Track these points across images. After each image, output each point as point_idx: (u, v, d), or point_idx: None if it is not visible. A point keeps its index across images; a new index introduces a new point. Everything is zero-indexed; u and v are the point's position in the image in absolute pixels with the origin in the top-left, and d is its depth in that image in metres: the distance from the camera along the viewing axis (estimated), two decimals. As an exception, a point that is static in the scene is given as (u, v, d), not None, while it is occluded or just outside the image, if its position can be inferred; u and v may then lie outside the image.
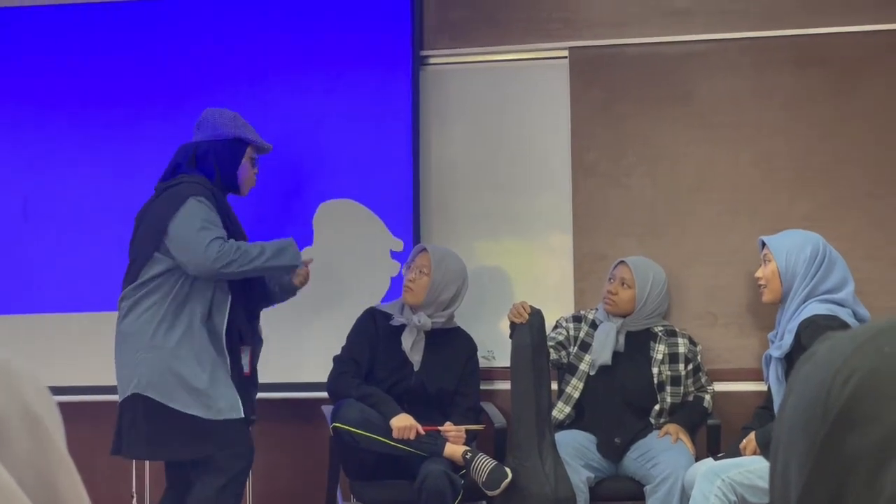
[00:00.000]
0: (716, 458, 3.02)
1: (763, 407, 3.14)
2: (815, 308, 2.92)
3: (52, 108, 3.76)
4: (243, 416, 3.00)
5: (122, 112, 3.73)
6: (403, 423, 3.11)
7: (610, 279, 3.41)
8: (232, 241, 2.94)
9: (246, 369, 3.09)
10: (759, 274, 3.14)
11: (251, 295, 3.11)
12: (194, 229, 2.89)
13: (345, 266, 3.63)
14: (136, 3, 3.75)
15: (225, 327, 3.01)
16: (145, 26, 3.74)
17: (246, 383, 3.09)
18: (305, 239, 3.55)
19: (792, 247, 3.05)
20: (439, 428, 3.18)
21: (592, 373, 3.33)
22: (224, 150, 3.07)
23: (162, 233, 2.94)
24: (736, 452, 2.99)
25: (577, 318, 3.44)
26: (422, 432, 3.13)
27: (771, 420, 3.02)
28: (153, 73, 3.73)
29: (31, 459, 0.60)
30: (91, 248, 3.68)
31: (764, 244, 3.13)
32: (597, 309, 3.45)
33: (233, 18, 3.72)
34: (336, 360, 3.29)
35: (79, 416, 3.75)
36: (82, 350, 3.65)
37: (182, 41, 3.73)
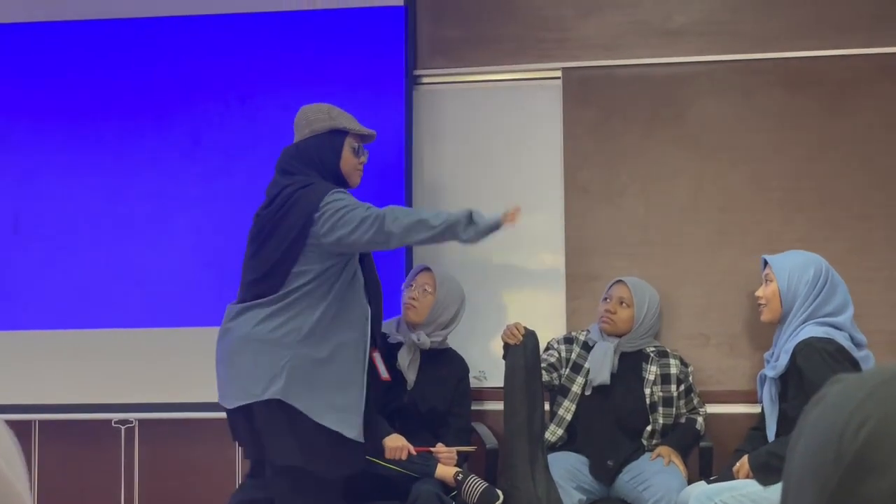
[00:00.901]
0: (708, 482, 2.98)
1: (755, 428, 3.11)
2: (813, 330, 2.89)
3: (43, 123, 3.72)
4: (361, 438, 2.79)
5: (113, 127, 3.69)
6: (396, 443, 3.07)
7: (606, 298, 3.38)
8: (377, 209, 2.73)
9: (385, 374, 2.97)
10: (759, 293, 3.10)
11: (380, 299, 2.96)
12: (353, 209, 2.72)
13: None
14: (128, 20, 3.71)
15: (368, 336, 2.84)
16: (139, 43, 3.71)
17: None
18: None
19: (794, 268, 3.01)
20: (431, 449, 3.15)
21: (588, 392, 3.29)
22: (323, 143, 2.90)
23: (305, 235, 2.74)
24: (729, 475, 2.95)
25: (568, 340, 3.41)
26: (413, 452, 3.09)
27: (763, 442, 2.99)
28: (148, 88, 3.69)
29: None
30: (82, 263, 3.63)
31: (766, 263, 3.10)
32: (588, 330, 3.42)
33: (227, 37, 3.70)
34: None
35: (67, 434, 3.75)
36: (72, 367, 3.61)
37: (174, 58, 3.70)
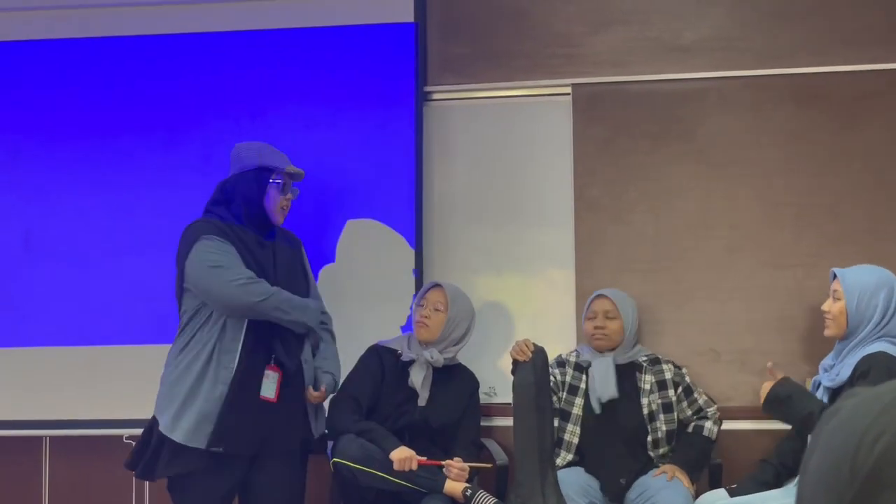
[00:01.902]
0: (729, 490, 2.94)
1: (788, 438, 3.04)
2: (882, 346, 2.80)
3: (55, 140, 3.73)
4: (202, 445, 2.89)
5: (125, 144, 3.70)
6: (403, 454, 3.04)
7: (589, 317, 3.35)
8: (260, 283, 2.91)
9: (266, 393, 2.99)
10: (825, 308, 2.96)
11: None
12: (205, 269, 2.89)
13: (367, 283, 3.60)
14: (139, 37, 3.72)
15: (240, 345, 2.94)
16: (152, 60, 3.72)
17: (260, 412, 2.97)
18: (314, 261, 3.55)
19: (865, 290, 2.87)
20: (442, 462, 3.13)
21: (599, 410, 3.25)
22: (248, 179, 3.04)
23: (181, 273, 2.98)
24: (749, 485, 2.92)
25: (560, 363, 3.37)
26: (421, 461, 3.06)
27: (793, 455, 2.95)
28: (159, 105, 3.70)
29: None
30: (92, 280, 3.64)
31: (835, 276, 2.95)
32: (577, 351, 3.39)
33: (238, 53, 3.70)
34: (333, 398, 3.24)
35: (78, 450, 3.75)
36: (83, 384, 3.61)
37: (186, 74, 3.70)
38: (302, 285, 3.12)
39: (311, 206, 3.59)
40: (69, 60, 3.76)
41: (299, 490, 3.14)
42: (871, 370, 2.72)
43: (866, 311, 2.86)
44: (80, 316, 3.64)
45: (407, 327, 3.54)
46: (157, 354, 3.54)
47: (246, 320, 2.93)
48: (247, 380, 2.93)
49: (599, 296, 3.36)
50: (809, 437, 1.35)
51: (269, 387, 2.96)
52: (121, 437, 3.65)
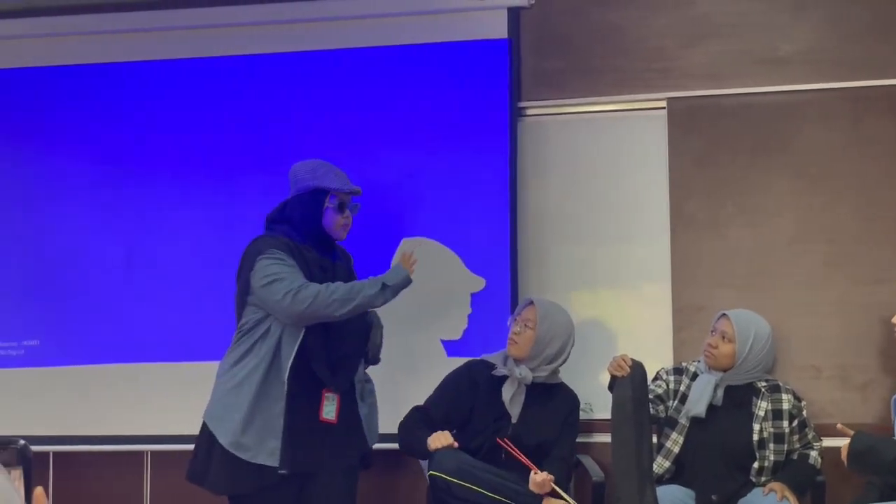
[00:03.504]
0: None
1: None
2: None
3: (157, 163, 3.83)
4: (274, 464, 2.93)
5: (225, 166, 3.79)
6: (436, 435, 3.12)
7: (712, 331, 3.30)
8: (309, 285, 2.93)
9: (327, 415, 3.04)
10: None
11: (334, 341, 3.08)
12: (265, 282, 2.93)
13: (423, 302, 3.59)
14: (238, 57, 3.80)
15: (290, 364, 2.98)
16: (249, 82, 3.79)
17: (321, 432, 3.03)
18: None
19: None
20: (530, 463, 3.13)
21: (686, 424, 3.24)
22: (306, 202, 3.09)
23: (245, 290, 3.03)
24: None
25: (678, 371, 3.35)
26: (455, 445, 3.12)
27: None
28: (256, 128, 3.77)
29: None
30: (191, 299, 3.73)
31: None
32: (699, 360, 3.35)
33: (332, 71, 3.76)
34: (411, 410, 3.30)
35: (178, 464, 3.81)
36: (183, 399, 3.66)
37: (281, 95, 3.76)
38: None
39: (398, 221, 3.66)
40: (168, 83, 3.85)
41: (352, 502, 3.20)
42: None
43: None
44: (178, 333, 3.73)
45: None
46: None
47: (300, 335, 2.98)
48: (304, 394, 2.99)
49: (724, 315, 3.33)
50: None
51: (330, 409, 3.02)
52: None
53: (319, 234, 3.10)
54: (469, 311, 3.62)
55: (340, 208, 3.11)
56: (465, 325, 3.65)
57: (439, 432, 3.11)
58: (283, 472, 2.96)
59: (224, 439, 2.95)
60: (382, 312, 3.25)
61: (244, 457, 2.95)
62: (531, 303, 3.34)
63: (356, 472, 3.19)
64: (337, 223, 3.11)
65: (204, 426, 3.03)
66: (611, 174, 3.77)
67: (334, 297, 2.95)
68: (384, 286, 3.03)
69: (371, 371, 3.28)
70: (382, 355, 3.29)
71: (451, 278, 3.66)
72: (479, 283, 3.67)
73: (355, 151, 3.64)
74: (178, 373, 3.73)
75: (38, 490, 0.59)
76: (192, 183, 3.80)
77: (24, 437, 3.19)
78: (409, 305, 3.42)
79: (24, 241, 3.88)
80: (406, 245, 3.65)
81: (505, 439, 3.15)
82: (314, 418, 3.02)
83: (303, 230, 3.07)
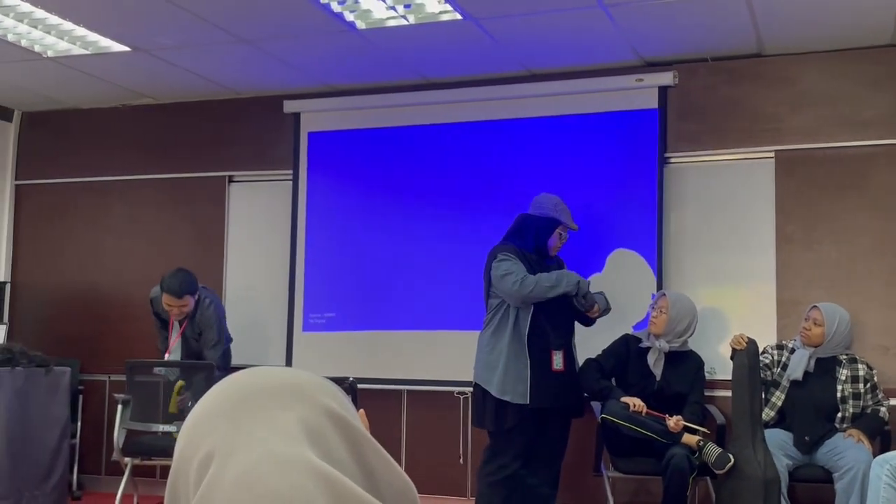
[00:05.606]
0: None
1: None
2: None
3: (423, 201, 4.73)
4: (526, 402, 3.67)
5: (465, 204, 4.70)
6: (636, 400, 3.76)
7: (806, 319, 3.93)
8: (529, 276, 3.71)
9: (557, 366, 3.77)
10: None
11: (551, 311, 3.77)
12: (500, 277, 3.78)
13: (617, 294, 4.20)
14: (462, 124, 4.71)
15: (527, 333, 3.73)
16: (466, 143, 4.70)
17: (554, 378, 3.76)
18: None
19: None
20: (665, 416, 3.73)
21: (788, 385, 3.80)
22: (541, 225, 3.85)
23: (488, 281, 3.88)
24: None
25: (780, 347, 3.98)
26: (649, 411, 3.70)
27: None
28: (472, 178, 4.66)
29: (349, 453, 0.60)
30: (429, 287, 4.68)
31: None
32: (795, 339, 4.00)
33: (528, 136, 4.61)
34: (586, 360, 3.98)
35: (426, 400, 4.69)
36: (429, 355, 4.60)
37: (489, 153, 4.66)
38: None
39: (590, 238, 4.45)
40: (426, 143, 4.75)
41: (566, 435, 3.97)
42: None
43: None
44: (432, 309, 4.68)
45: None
46: (470, 337, 4.39)
47: (530, 312, 3.74)
48: (538, 353, 3.75)
49: (815, 307, 3.89)
50: None
51: (558, 361, 3.80)
52: (451, 392, 4.65)
53: (541, 249, 3.86)
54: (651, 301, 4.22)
55: (561, 237, 3.90)
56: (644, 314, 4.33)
57: (636, 398, 3.74)
58: (531, 406, 3.65)
59: (492, 389, 3.74)
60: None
61: (505, 398, 3.70)
62: (664, 294, 4.07)
63: (570, 419, 3.93)
64: (555, 246, 3.93)
65: (476, 385, 3.80)
66: (732, 205, 4.36)
67: (546, 284, 3.72)
68: (579, 281, 3.82)
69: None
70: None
71: (641, 280, 4.34)
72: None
73: (537, 192, 4.29)
74: (429, 338, 4.65)
75: (361, 412, 0.67)
76: (444, 216, 4.74)
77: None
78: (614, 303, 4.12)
79: (338, 253, 4.81)
80: (616, 253, 4.42)
81: (645, 409, 3.72)
82: (548, 369, 3.80)
83: (531, 245, 3.79)
